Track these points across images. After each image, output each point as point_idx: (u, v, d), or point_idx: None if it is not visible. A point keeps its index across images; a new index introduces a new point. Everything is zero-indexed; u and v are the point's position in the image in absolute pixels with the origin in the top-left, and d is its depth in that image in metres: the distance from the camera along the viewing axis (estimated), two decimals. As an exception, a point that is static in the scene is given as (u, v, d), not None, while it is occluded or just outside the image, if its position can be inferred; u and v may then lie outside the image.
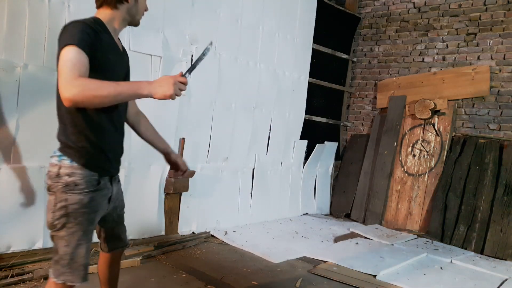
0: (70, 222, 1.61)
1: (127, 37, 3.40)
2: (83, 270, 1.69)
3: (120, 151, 1.88)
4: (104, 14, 1.76)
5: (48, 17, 2.95)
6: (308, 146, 5.49)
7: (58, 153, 1.65)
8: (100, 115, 1.65)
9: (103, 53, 1.62)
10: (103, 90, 1.47)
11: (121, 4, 1.73)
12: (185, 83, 1.62)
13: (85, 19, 1.66)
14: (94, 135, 1.65)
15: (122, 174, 3.44)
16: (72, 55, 1.48)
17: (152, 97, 1.57)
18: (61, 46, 1.52)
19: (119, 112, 1.78)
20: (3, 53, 2.77)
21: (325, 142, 5.65)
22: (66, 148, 1.64)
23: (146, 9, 1.86)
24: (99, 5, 1.78)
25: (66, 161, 1.63)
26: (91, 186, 1.65)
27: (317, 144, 5.52)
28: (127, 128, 2.02)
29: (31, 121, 2.93)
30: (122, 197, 1.96)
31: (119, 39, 1.84)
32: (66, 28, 1.60)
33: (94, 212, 1.69)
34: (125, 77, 1.87)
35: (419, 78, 5.53)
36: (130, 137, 3.50)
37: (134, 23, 1.84)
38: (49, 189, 1.64)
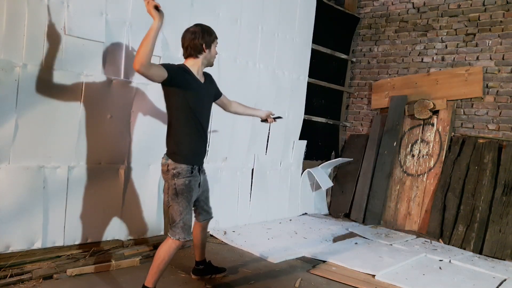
0: (179, 197, 2.50)
1: (126, 37, 3.41)
2: (189, 229, 2.57)
3: (204, 150, 2.75)
4: (188, 62, 2.61)
5: (47, 17, 2.94)
6: (307, 146, 5.50)
7: (166, 156, 2.57)
8: (190, 128, 2.56)
9: (182, 80, 2.50)
10: (140, 48, 2.29)
11: (200, 54, 2.58)
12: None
13: (178, 64, 2.59)
14: (187, 143, 2.56)
15: (121, 174, 3.47)
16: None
17: (155, 24, 2.37)
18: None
19: (202, 125, 2.62)
20: (2, 52, 2.77)
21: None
22: (171, 154, 2.55)
23: (216, 53, 2.68)
24: (186, 57, 2.61)
25: (171, 161, 2.52)
26: (188, 174, 2.53)
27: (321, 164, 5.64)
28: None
29: (30, 121, 2.93)
30: (207, 184, 2.86)
31: (203, 75, 2.70)
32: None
33: (191, 191, 2.57)
34: (209, 97, 2.77)
35: (413, 79, 5.54)
36: (130, 138, 3.52)
37: (210, 65, 2.70)
38: (164, 179, 2.57)
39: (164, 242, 2.55)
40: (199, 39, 2.53)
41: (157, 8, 2.36)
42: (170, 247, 2.51)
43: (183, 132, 2.55)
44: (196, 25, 2.61)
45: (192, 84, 2.55)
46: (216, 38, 2.65)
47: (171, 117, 2.57)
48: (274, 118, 3.24)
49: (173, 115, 2.55)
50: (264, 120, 3.24)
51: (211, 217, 2.99)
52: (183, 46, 2.57)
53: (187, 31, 2.58)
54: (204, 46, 2.55)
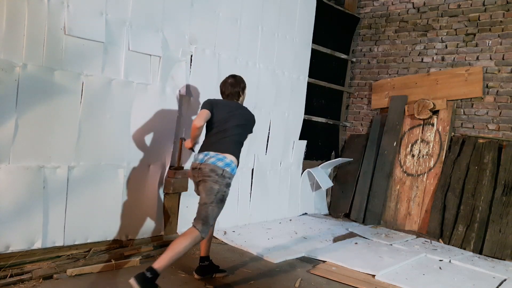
0: (222, 204, 2.86)
1: (126, 37, 3.41)
2: (210, 229, 2.87)
3: None
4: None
5: (47, 17, 2.94)
6: (307, 146, 5.50)
7: (225, 163, 2.86)
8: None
9: None
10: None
11: (240, 97, 3.16)
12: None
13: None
14: (238, 159, 3.00)
15: (121, 174, 3.47)
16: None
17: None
18: (251, 130, 3.17)
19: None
20: (2, 52, 2.77)
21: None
22: (234, 164, 2.92)
23: (245, 95, 3.25)
24: (231, 99, 3.13)
25: (229, 169, 2.85)
26: (230, 186, 2.92)
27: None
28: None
29: (30, 121, 2.93)
30: None
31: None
32: (254, 118, 3.16)
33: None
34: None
35: (413, 79, 5.54)
36: (130, 138, 3.52)
37: (242, 103, 3.22)
38: (214, 181, 2.80)
39: (188, 233, 2.73)
40: (237, 88, 3.12)
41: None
42: (193, 238, 2.72)
43: (240, 149, 3.02)
44: (232, 76, 3.15)
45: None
46: (246, 85, 3.22)
47: (242, 140, 3.06)
48: None
49: (243, 136, 3.08)
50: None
51: None
52: (223, 93, 3.14)
53: (226, 83, 3.13)
54: (240, 92, 3.14)
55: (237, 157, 2.95)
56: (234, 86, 3.11)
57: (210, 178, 2.79)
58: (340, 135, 6.22)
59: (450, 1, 5.30)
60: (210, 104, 2.99)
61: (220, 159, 2.82)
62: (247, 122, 3.08)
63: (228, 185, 2.85)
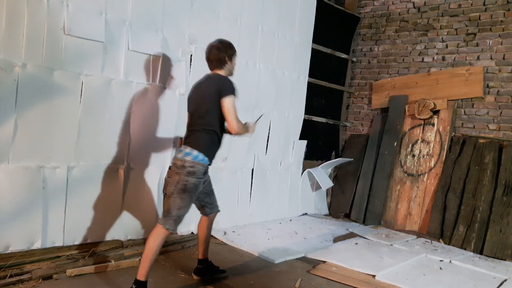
0: (185, 194, 2.66)
1: (126, 37, 3.40)
2: (179, 224, 2.72)
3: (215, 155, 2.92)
4: (215, 72, 2.87)
5: (47, 16, 2.94)
6: (307, 146, 5.49)
7: (185, 152, 2.71)
8: (218, 133, 2.80)
9: None
10: (243, 130, 2.82)
11: (224, 66, 2.85)
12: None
13: (226, 76, 2.84)
14: (212, 147, 2.81)
15: (121, 174, 3.46)
16: (234, 103, 2.71)
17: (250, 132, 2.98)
18: (227, 93, 2.68)
19: (222, 134, 2.87)
20: (1, 52, 2.77)
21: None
22: (197, 152, 2.71)
23: (235, 64, 2.95)
24: (212, 69, 2.87)
25: (190, 158, 2.68)
26: (201, 175, 2.72)
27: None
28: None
29: (30, 121, 2.92)
30: (210, 179, 3.01)
31: None
32: (224, 79, 2.76)
33: (197, 190, 2.74)
34: None
35: (414, 78, 5.53)
36: (130, 138, 3.51)
37: (230, 74, 2.91)
38: (175, 172, 2.67)
39: (152, 232, 2.66)
40: (223, 53, 2.82)
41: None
42: (158, 235, 2.64)
43: (214, 136, 2.78)
44: (220, 41, 2.88)
45: None
46: (235, 51, 2.92)
47: (210, 122, 2.75)
48: (256, 122, 3.15)
49: (214, 121, 2.76)
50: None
51: (218, 211, 3.09)
52: (208, 59, 2.85)
53: (212, 47, 2.84)
54: (226, 58, 2.84)
55: (202, 144, 2.71)
56: (220, 50, 2.81)
57: (173, 172, 2.71)
58: (340, 135, 6.21)
59: (450, 0, 5.29)
60: (187, 101, 2.90)
61: (180, 151, 2.72)
62: (209, 94, 2.72)
63: (190, 174, 2.64)
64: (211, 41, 2.89)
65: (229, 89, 2.70)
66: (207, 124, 2.74)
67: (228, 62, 2.86)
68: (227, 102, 2.67)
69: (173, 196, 2.66)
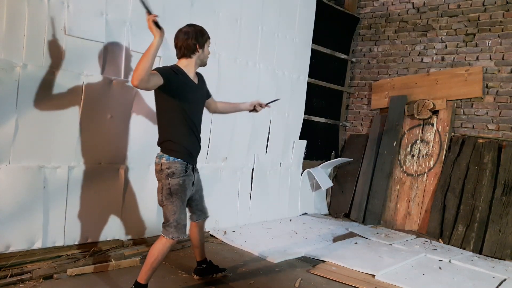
0: (173, 197, 2.52)
1: (126, 37, 3.41)
2: (183, 228, 2.57)
3: (198, 149, 2.72)
4: (182, 62, 2.62)
5: (48, 17, 2.94)
6: (307, 146, 5.50)
7: (159, 155, 2.57)
8: (184, 128, 2.57)
9: (178, 83, 2.52)
10: (140, 64, 2.24)
11: (194, 54, 2.59)
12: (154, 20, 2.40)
13: (171, 66, 2.58)
14: (182, 142, 2.56)
15: (121, 174, 3.47)
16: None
17: (156, 41, 2.37)
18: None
19: (196, 125, 2.64)
20: (2, 52, 2.77)
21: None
22: (167, 151, 2.56)
23: (209, 53, 2.68)
24: (179, 57, 2.62)
25: (165, 160, 2.53)
26: (182, 173, 2.54)
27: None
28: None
29: (31, 121, 2.93)
30: (201, 183, 2.85)
31: (196, 75, 2.71)
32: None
33: (185, 190, 2.57)
34: (203, 97, 2.78)
35: (413, 79, 5.55)
36: (130, 138, 3.52)
37: (203, 64, 2.70)
38: (157, 178, 2.55)
39: (157, 240, 2.57)
40: (192, 39, 2.55)
41: (157, 24, 2.38)
42: (164, 246, 2.54)
43: (178, 132, 2.56)
44: (189, 25, 2.62)
45: (187, 85, 2.59)
46: (209, 38, 2.66)
47: (163, 118, 2.58)
48: (268, 103, 3.16)
49: (166, 116, 2.56)
50: (253, 110, 3.16)
51: (207, 216, 2.96)
52: (176, 46, 2.59)
53: (180, 31, 2.59)
54: (197, 46, 2.57)
55: (165, 140, 2.57)
56: (189, 35, 2.55)
57: (156, 179, 2.61)
58: (340, 135, 6.22)
59: (450, 1, 5.30)
60: None
61: (156, 156, 2.60)
62: (155, 95, 2.53)
63: (169, 175, 2.50)
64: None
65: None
66: (160, 117, 2.58)
67: (199, 50, 2.59)
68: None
69: (164, 204, 2.55)
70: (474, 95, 5.03)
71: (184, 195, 2.58)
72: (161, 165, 2.53)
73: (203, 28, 2.64)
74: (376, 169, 5.53)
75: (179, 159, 2.54)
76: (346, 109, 6.30)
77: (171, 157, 2.53)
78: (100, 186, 3.35)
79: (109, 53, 3.32)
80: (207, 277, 3.10)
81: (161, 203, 2.57)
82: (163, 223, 2.58)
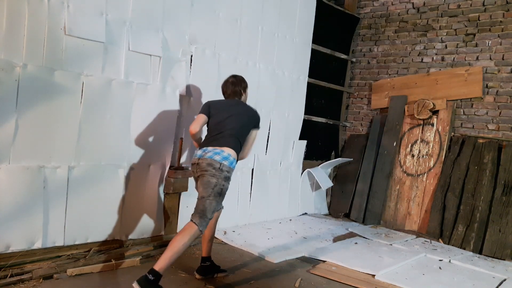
0: (221, 197, 2.85)
1: (126, 37, 3.41)
2: (210, 224, 2.96)
3: None
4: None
5: (48, 17, 2.94)
6: (307, 146, 5.50)
7: (223, 156, 2.85)
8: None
9: None
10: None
11: (240, 97, 3.17)
12: None
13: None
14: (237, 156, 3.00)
15: (121, 174, 3.47)
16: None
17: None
18: (259, 126, 3.15)
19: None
20: (2, 52, 2.77)
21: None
22: (234, 158, 2.92)
23: (248, 95, 3.27)
24: (232, 98, 3.17)
25: (227, 163, 2.84)
26: (230, 180, 2.91)
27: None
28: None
29: (31, 121, 2.93)
30: None
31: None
32: (256, 113, 3.14)
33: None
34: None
35: (413, 79, 5.55)
36: (130, 138, 3.52)
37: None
38: (211, 174, 2.79)
39: (186, 228, 2.71)
40: (238, 86, 3.15)
41: None
42: (191, 234, 2.69)
43: (239, 148, 3.00)
44: (233, 76, 3.20)
45: None
46: (247, 84, 3.24)
47: (245, 136, 3.05)
48: None
49: (242, 138, 3.03)
50: None
51: (222, 207, 3.07)
52: (225, 93, 3.17)
53: (227, 82, 3.17)
54: (242, 91, 3.18)
55: (236, 151, 2.93)
56: (235, 85, 3.13)
57: (208, 172, 2.79)
58: (340, 135, 6.22)
59: (450, 1, 5.30)
60: (208, 107, 3.04)
61: (217, 153, 2.83)
62: (247, 117, 3.06)
63: (226, 179, 2.83)
64: (227, 77, 3.21)
65: (259, 124, 3.15)
66: (240, 136, 2.98)
67: (243, 94, 3.18)
68: (255, 133, 3.10)
69: (210, 199, 2.78)
70: (474, 95, 5.03)
71: (223, 199, 2.91)
72: (221, 165, 2.80)
73: (243, 77, 3.25)
74: (376, 169, 5.53)
75: (234, 169, 2.91)
76: (346, 109, 6.30)
77: (233, 164, 2.87)
78: (100, 186, 3.35)
79: (109, 53, 3.32)
80: (208, 277, 3.10)
81: (205, 195, 2.78)
82: (200, 213, 2.75)
